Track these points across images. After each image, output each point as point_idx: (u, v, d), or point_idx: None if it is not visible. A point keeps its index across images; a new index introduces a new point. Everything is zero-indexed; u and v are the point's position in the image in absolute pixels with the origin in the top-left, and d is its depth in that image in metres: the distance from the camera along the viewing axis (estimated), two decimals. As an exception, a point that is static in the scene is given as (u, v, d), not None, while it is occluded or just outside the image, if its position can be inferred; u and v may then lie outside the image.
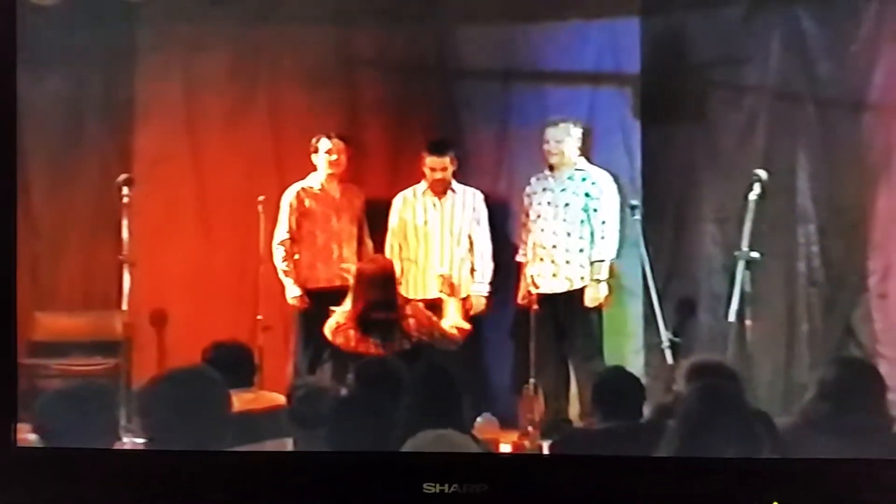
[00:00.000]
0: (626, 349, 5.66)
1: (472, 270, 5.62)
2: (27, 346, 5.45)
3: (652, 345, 5.39)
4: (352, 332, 4.75)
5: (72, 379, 5.37)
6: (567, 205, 5.47)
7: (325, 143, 5.61)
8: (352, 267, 5.26)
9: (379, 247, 5.66)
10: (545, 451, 4.61)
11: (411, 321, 4.78)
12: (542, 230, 5.48)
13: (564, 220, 5.46)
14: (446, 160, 5.56)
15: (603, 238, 5.45)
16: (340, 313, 4.83)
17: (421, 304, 5.09)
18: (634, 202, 5.39)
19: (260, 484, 3.28)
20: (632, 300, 5.63)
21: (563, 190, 5.49)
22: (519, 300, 5.51)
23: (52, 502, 3.24)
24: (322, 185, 5.65)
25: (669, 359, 5.01)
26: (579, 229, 5.45)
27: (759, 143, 5.50)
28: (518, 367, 5.54)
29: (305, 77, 5.88)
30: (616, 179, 5.56)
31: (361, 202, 5.72)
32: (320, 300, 5.37)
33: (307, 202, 5.64)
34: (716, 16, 5.55)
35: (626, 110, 5.80)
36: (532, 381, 5.17)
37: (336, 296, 5.07)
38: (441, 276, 5.36)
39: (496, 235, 5.69)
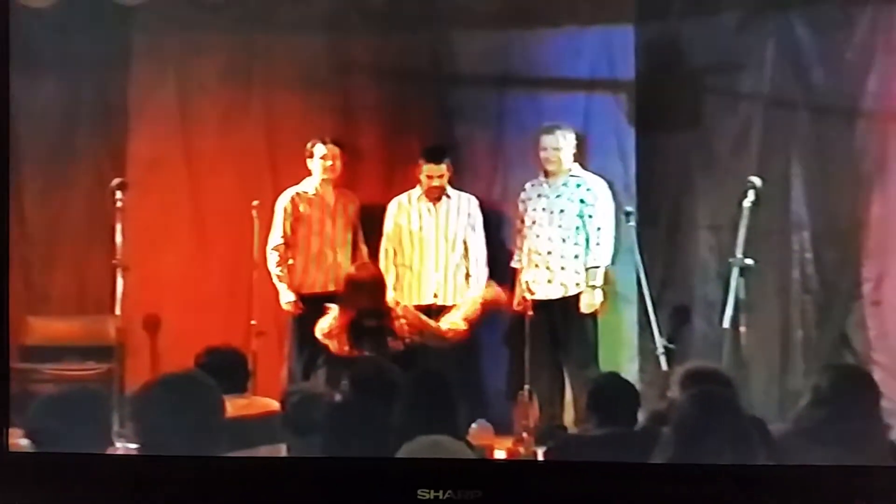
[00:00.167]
0: (621, 356, 5.66)
1: (468, 276, 5.61)
2: (20, 350, 5.42)
3: (647, 351, 5.40)
4: (343, 337, 4.74)
5: (64, 384, 5.36)
6: (562, 211, 5.47)
7: (319, 149, 5.60)
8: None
9: (373, 252, 5.65)
10: (540, 457, 4.60)
11: (402, 322, 4.78)
12: (538, 236, 5.48)
13: (560, 227, 5.46)
14: (443, 167, 5.56)
15: (598, 244, 5.45)
16: (332, 316, 4.82)
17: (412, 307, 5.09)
18: (629, 208, 5.40)
19: (254, 490, 3.27)
20: (627, 307, 5.63)
21: (559, 196, 5.49)
22: (514, 306, 5.51)
23: (45, 508, 3.23)
24: (317, 190, 5.64)
25: (664, 365, 5.02)
26: (574, 236, 5.45)
27: (753, 151, 5.51)
28: (513, 373, 5.53)
29: (300, 82, 5.88)
30: (611, 186, 5.56)
31: (356, 207, 5.71)
32: (314, 306, 5.36)
33: (302, 207, 5.63)
34: (710, 23, 5.56)
35: (620, 117, 5.80)
36: (527, 387, 5.17)
37: (330, 301, 5.05)
38: None
39: (491, 241, 5.69)
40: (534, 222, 5.50)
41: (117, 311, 5.36)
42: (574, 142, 5.52)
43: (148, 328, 5.72)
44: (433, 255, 5.61)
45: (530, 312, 5.24)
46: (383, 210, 5.68)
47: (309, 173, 5.65)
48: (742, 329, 4.99)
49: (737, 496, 3.20)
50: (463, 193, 5.67)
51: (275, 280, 5.60)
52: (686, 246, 5.66)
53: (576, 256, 5.45)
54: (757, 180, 5.11)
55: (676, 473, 3.24)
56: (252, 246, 5.54)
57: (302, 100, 5.89)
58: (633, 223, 5.29)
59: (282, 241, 5.62)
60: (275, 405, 4.03)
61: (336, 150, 5.63)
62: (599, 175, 5.56)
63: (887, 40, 5.27)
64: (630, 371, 5.45)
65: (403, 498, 3.20)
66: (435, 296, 5.54)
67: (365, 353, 4.71)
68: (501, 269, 5.64)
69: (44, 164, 5.76)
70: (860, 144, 5.35)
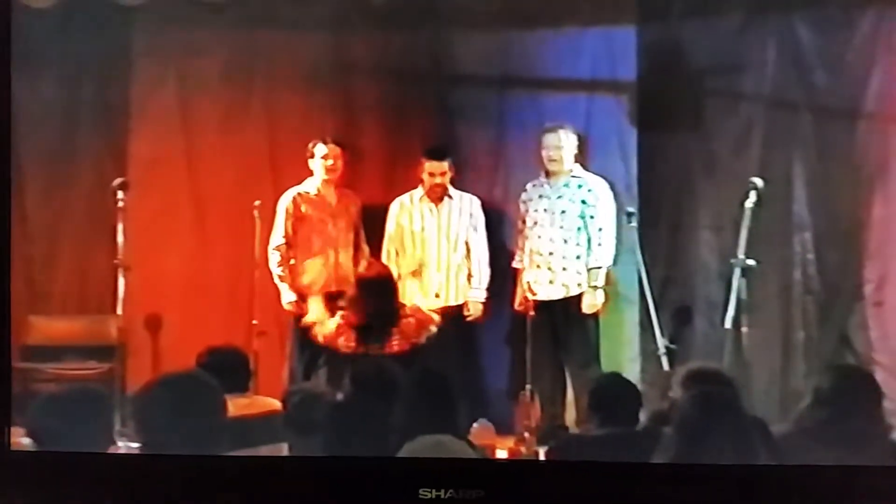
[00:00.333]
0: (623, 356, 5.66)
1: (469, 276, 5.62)
2: (21, 350, 5.42)
3: (648, 352, 5.40)
4: (351, 336, 4.73)
5: (66, 383, 5.36)
6: (563, 212, 5.47)
7: (321, 149, 5.60)
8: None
9: (375, 252, 5.65)
10: (541, 457, 4.61)
11: (412, 321, 4.78)
12: (539, 237, 5.48)
13: (561, 227, 5.46)
14: (445, 165, 5.56)
15: (599, 245, 5.45)
16: (335, 320, 4.82)
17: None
18: (631, 209, 5.40)
19: (255, 489, 3.27)
20: (628, 307, 5.63)
21: (560, 197, 5.49)
22: (516, 306, 5.51)
23: (46, 507, 3.23)
24: (318, 190, 5.64)
25: (666, 366, 5.01)
26: (576, 236, 5.45)
27: (755, 152, 5.51)
28: (514, 373, 5.53)
29: (301, 82, 5.88)
30: (612, 186, 5.56)
31: (358, 208, 5.71)
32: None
33: (303, 207, 5.63)
34: (712, 24, 5.56)
35: (622, 117, 5.80)
36: (528, 387, 5.17)
37: (332, 301, 5.06)
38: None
39: (493, 241, 5.69)
40: (535, 223, 5.50)
41: (119, 311, 5.36)
42: (575, 142, 5.52)
43: (149, 328, 5.72)
44: (435, 256, 5.61)
45: (532, 313, 5.24)
46: (385, 210, 5.68)
47: (311, 173, 5.65)
48: (744, 329, 4.99)
49: (738, 496, 3.20)
50: (465, 194, 5.67)
51: (276, 280, 5.60)
52: (687, 246, 5.66)
53: (577, 257, 5.45)
54: (759, 181, 5.11)
55: (678, 474, 3.23)
56: (253, 246, 5.54)
57: (303, 100, 5.89)
58: (634, 224, 5.29)
59: (283, 241, 5.61)
60: (276, 405, 4.03)
61: (337, 150, 5.63)
62: (601, 176, 5.56)
63: (889, 41, 5.27)
64: (632, 371, 5.45)
65: (405, 497, 3.20)
66: (437, 296, 5.55)
67: (374, 352, 4.69)
68: (503, 269, 5.65)
69: (45, 164, 5.76)
70: (862, 145, 5.35)
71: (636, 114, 5.75)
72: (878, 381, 3.79)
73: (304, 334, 5.37)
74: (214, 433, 3.22)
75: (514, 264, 5.59)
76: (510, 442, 5.03)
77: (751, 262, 5.01)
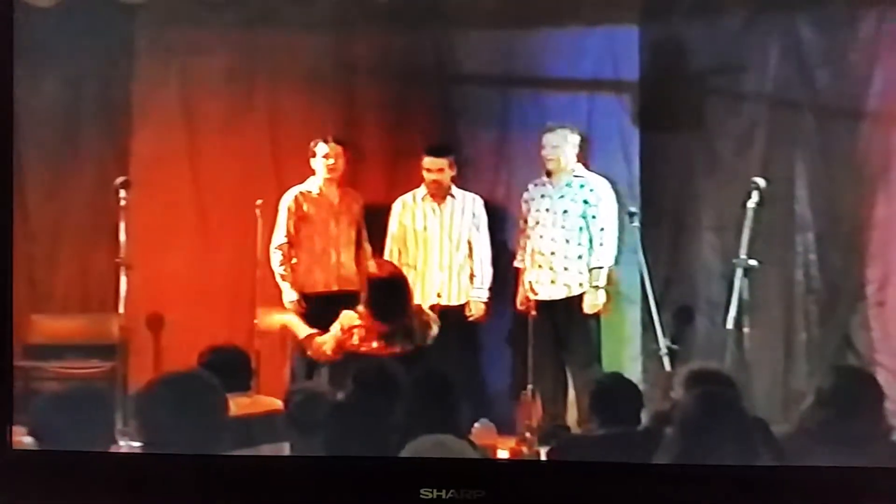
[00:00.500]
0: (624, 356, 5.66)
1: (472, 276, 5.61)
2: (23, 348, 5.43)
3: (650, 352, 5.39)
4: (368, 337, 4.73)
5: (68, 382, 5.37)
6: (565, 212, 5.47)
7: (322, 148, 5.60)
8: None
9: (377, 252, 5.65)
10: (543, 457, 4.60)
11: (425, 319, 4.78)
12: (541, 237, 5.48)
13: (563, 227, 5.46)
14: (443, 161, 5.56)
15: (601, 245, 5.45)
16: (351, 317, 4.81)
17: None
18: (633, 209, 5.39)
19: (257, 489, 3.27)
20: (630, 307, 5.63)
21: (562, 197, 5.49)
22: (517, 306, 5.51)
23: (48, 506, 3.23)
24: (320, 189, 5.64)
25: (667, 366, 5.01)
26: (578, 236, 5.45)
27: (757, 151, 5.51)
28: (516, 372, 5.53)
29: (304, 81, 5.88)
30: (614, 186, 5.56)
31: (360, 207, 5.71)
32: (318, 305, 5.36)
33: (305, 206, 5.63)
34: (715, 24, 5.55)
35: (624, 117, 5.80)
36: (530, 387, 5.16)
37: (334, 300, 5.05)
38: None
39: (494, 241, 5.69)
40: (537, 223, 5.50)
41: (121, 310, 5.36)
42: (577, 142, 5.51)
43: (151, 327, 5.73)
44: (437, 255, 5.61)
45: (533, 312, 5.23)
46: (387, 209, 5.68)
47: (313, 172, 5.65)
48: (745, 330, 4.99)
49: (739, 497, 3.20)
50: (468, 193, 5.67)
51: (278, 279, 5.60)
52: (690, 246, 5.66)
53: (579, 257, 5.45)
54: (761, 181, 5.11)
55: (679, 474, 3.23)
56: (255, 245, 5.55)
57: (306, 98, 5.89)
58: (636, 224, 5.28)
59: (285, 240, 5.62)
60: (278, 404, 4.03)
61: (339, 149, 5.63)
62: (603, 175, 5.56)
63: (891, 41, 5.26)
64: (633, 371, 5.44)
65: (406, 497, 3.20)
66: (438, 295, 5.54)
67: (388, 349, 4.68)
68: (504, 268, 5.64)
69: (47, 163, 5.77)
70: (864, 145, 5.35)
71: (638, 113, 5.75)
72: (879, 382, 3.79)
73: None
74: (216, 432, 3.22)
75: (516, 264, 5.59)
76: (511, 442, 5.02)
77: (753, 262, 5.00)
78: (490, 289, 5.62)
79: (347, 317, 4.84)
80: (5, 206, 3.49)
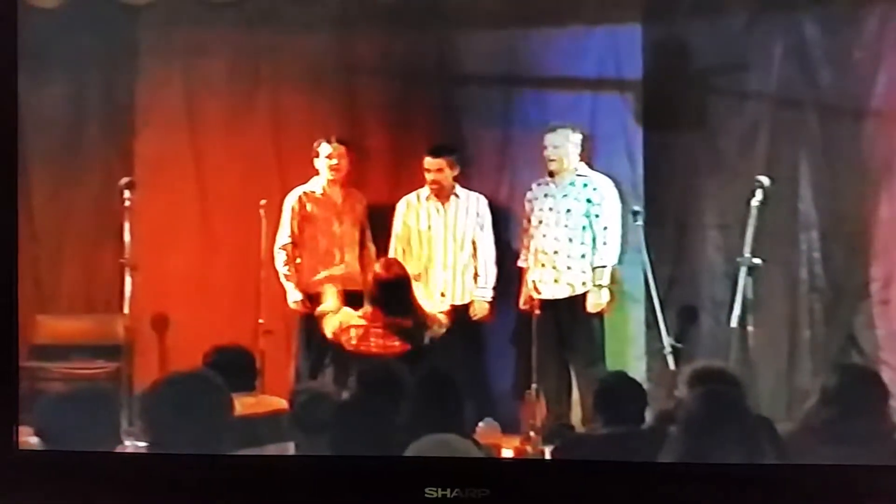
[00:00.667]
0: (628, 355, 5.66)
1: (476, 275, 5.62)
2: (29, 349, 5.44)
3: (654, 350, 5.40)
4: (371, 336, 4.73)
5: (73, 382, 5.38)
6: (569, 211, 5.47)
7: (325, 148, 5.61)
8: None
9: (381, 252, 5.65)
10: (547, 456, 4.60)
11: (432, 317, 4.79)
12: (544, 236, 5.48)
13: (566, 226, 5.46)
14: (441, 161, 5.55)
15: (605, 244, 5.45)
16: (350, 315, 4.81)
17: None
18: (636, 208, 5.39)
19: (262, 488, 3.28)
20: (634, 306, 5.63)
21: (565, 196, 5.49)
22: (521, 305, 5.51)
23: (54, 506, 3.24)
24: (324, 189, 5.65)
25: (671, 364, 5.01)
26: (581, 235, 5.45)
27: (761, 150, 5.51)
28: (520, 372, 5.53)
29: (307, 81, 5.88)
30: (618, 185, 5.55)
31: (363, 207, 5.72)
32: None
33: (309, 206, 5.64)
34: (718, 22, 5.55)
35: (628, 116, 5.79)
36: (534, 386, 5.17)
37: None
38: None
39: (498, 241, 5.69)
40: (540, 222, 5.50)
41: (126, 310, 5.37)
42: (579, 141, 5.51)
43: (156, 327, 5.74)
44: (441, 255, 5.61)
45: (537, 312, 5.24)
46: (391, 209, 5.68)
47: (316, 172, 5.65)
48: (750, 328, 4.99)
49: (744, 496, 3.20)
50: (472, 193, 5.67)
51: (282, 279, 5.61)
52: (694, 245, 5.66)
53: (582, 256, 5.45)
54: (765, 180, 5.10)
55: (684, 473, 3.23)
56: (260, 245, 5.55)
57: (309, 99, 5.90)
58: (640, 222, 5.28)
59: (289, 240, 5.62)
60: (283, 404, 4.04)
61: (342, 149, 5.63)
62: (606, 174, 5.56)
63: (895, 40, 5.26)
64: (637, 370, 5.44)
65: (411, 496, 3.21)
66: (442, 295, 5.55)
67: (392, 348, 4.68)
68: (508, 268, 5.65)
69: (52, 164, 5.78)
70: (868, 144, 5.35)
71: (642, 112, 5.74)
72: (884, 380, 3.79)
73: (310, 331, 5.37)
74: (221, 432, 3.23)
75: (520, 263, 5.59)
76: (516, 441, 5.03)
77: (757, 260, 5.00)
78: (494, 288, 5.63)
79: (346, 314, 4.85)
80: (10, 207, 3.50)
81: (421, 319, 4.84)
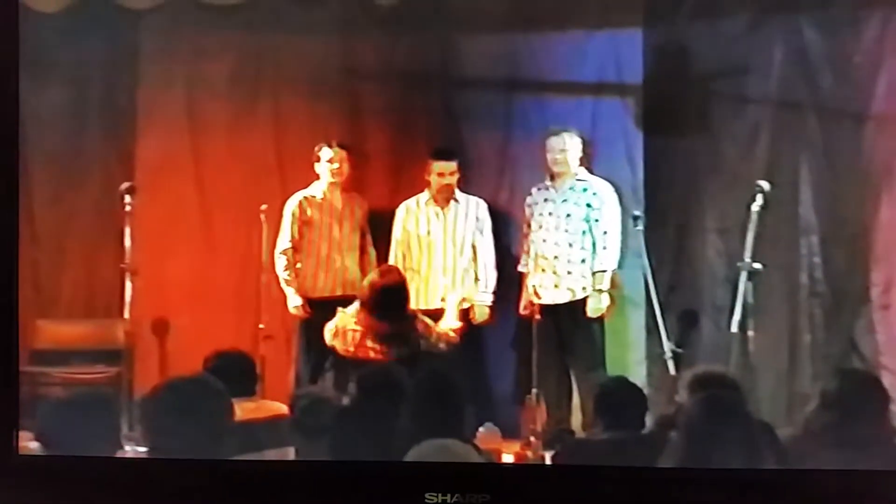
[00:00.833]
0: (629, 359, 5.65)
1: (476, 280, 5.62)
2: (29, 354, 5.44)
3: (654, 355, 5.39)
4: (367, 341, 4.73)
5: (73, 387, 5.38)
6: (569, 215, 5.47)
7: (326, 152, 5.61)
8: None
9: (382, 256, 5.66)
10: (547, 461, 4.60)
11: (420, 327, 4.78)
12: (544, 241, 5.48)
13: (566, 231, 5.46)
14: (454, 165, 5.57)
15: (605, 248, 5.45)
16: (347, 318, 4.81)
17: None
18: (637, 212, 5.39)
19: (262, 493, 3.28)
20: (634, 310, 5.63)
21: (565, 200, 5.49)
22: (521, 310, 5.51)
23: (54, 510, 3.24)
24: (324, 194, 5.65)
25: (672, 369, 5.01)
26: (581, 240, 5.45)
27: (761, 154, 5.50)
28: (520, 377, 5.53)
29: (308, 85, 5.88)
30: (618, 190, 5.55)
31: (364, 211, 5.72)
32: (322, 309, 5.37)
33: (309, 211, 5.64)
34: (718, 27, 5.55)
35: (628, 120, 5.79)
36: (534, 391, 5.17)
37: (338, 305, 5.05)
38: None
39: (498, 245, 5.69)
40: (540, 227, 5.50)
41: (126, 315, 5.37)
42: (579, 145, 5.51)
43: (156, 332, 5.74)
44: (441, 260, 5.61)
45: (537, 316, 5.23)
46: (391, 213, 5.68)
47: (317, 177, 5.66)
48: (750, 333, 4.98)
49: (745, 501, 3.20)
50: (471, 197, 5.67)
51: (282, 284, 5.61)
52: (694, 250, 5.65)
53: (582, 261, 5.45)
54: (765, 184, 5.10)
55: (684, 478, 3.24)
56: (260, 250, 5.55)
57: (310, 103, 5.90)
58: (640, 227, 5.28)
59: (290, 244, 5.63)
60: (283, 409, 4.04)
61: (343, 154, 5.64)
62: (607, 179, 5.56)
63: (896, 43, 5.27)
64: (638, 375, 5.43)
65: (411, 501, 3.21)
66: (442, 300, 5.55)
67: (385, 355, 4.68)
68: (508, 272, 5.65)
69: (53, 168, 5.77)
70: (869, 148, 5.34)
71: (642, 117, 5.74)
72: (884, 385, 3.79)
73: (310, 336, 5.37)
74: (221, 437, 3.23)
75: (520, 268, 5.60)
76: (516, 446, 5.03)
77: (757, 265, 4.99)
78: (494, 293, 5.62)
79: (343, 317, 4.85)
80: (11, 211, 3.51)
81: (414, 324, 4.83)
